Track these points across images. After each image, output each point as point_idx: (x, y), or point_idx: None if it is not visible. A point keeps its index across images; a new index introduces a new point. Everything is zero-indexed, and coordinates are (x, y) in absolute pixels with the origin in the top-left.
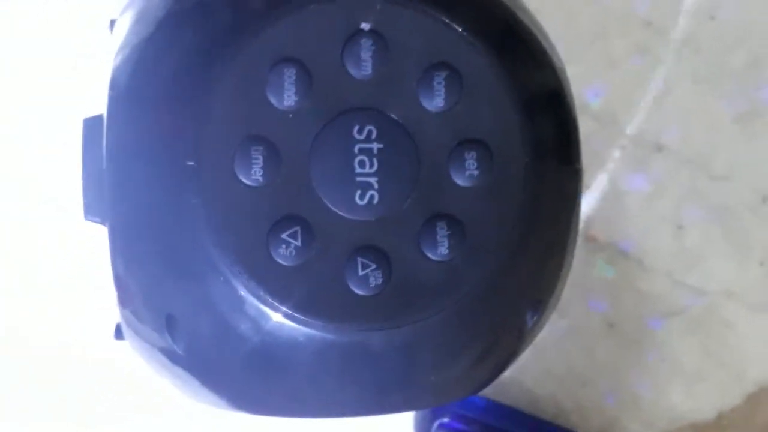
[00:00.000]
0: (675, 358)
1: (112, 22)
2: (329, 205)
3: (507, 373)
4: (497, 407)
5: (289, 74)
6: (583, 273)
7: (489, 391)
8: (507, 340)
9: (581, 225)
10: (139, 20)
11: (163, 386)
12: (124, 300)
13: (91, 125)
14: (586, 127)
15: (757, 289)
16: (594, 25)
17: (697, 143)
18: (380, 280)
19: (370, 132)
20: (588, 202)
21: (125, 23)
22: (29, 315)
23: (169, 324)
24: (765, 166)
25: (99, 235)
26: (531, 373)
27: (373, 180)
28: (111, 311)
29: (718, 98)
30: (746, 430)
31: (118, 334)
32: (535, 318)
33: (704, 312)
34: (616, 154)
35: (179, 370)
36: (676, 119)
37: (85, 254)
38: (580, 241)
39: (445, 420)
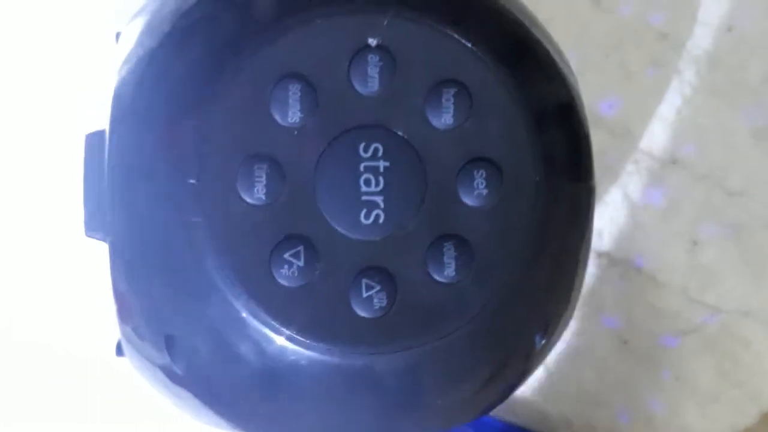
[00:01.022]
0: (689, 377)
1: (118, 35)
2: (334, 225)
3: (517, 391)
4: (506, 427)
5: (294, 90)
6: (595, 289)
7: (498, 410)
8: (515, 363)
9: (594, 240)
10: (143, 35)
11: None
12: (123, 316)
13: (93, 140)
14: (600, 140)
15: None
16: (609, 37)
17: (713, 158)
18: (385, 302)
19: (376, 150)
20: (601, 217)
21: (129, 37)
22: (28, 315)
23: (168, 344)
24: None
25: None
26: (541, 391)
27: (378, 199)
28: (111, 318)
29: (734, 112)
30: None
31: (119, 350)
32: (543, 341)
33: (719, 330)
34: (630, 168)
35: (179, 390)
36: (692, 133)
37: (86, 254)
38: (592, 256)
39: None
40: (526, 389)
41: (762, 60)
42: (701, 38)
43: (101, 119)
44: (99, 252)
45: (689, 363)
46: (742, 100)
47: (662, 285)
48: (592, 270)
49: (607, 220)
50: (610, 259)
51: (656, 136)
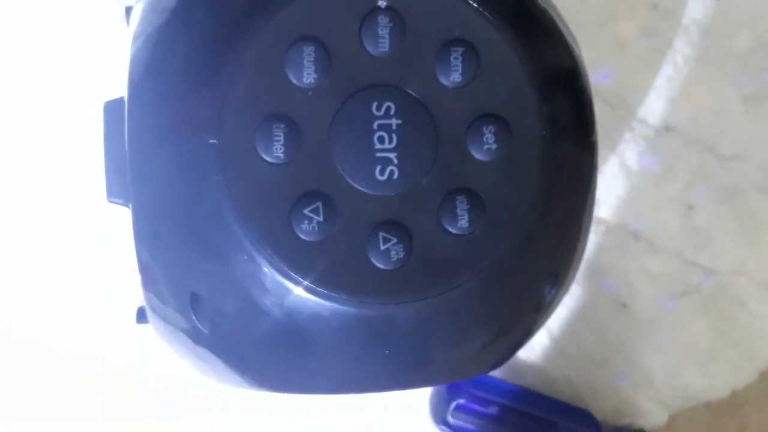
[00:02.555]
0: (688, 337)
1: (128, 9)
2: (350, 181)
3: (522, 355)
4: (513, 388)
5: (308, 52)
6: (594, 254)
7: (505, 373)
8: (526, 314)
9: None
10: (158, 2)
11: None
12: (147, 282)
13: (112, 108)
14: (595, 109)
15: (767, 267)
16: (601, 9)
17: (704, 124)
18: (402, 254)
19: (388, 108)
20: (598, 184)
21: (143, 6)
22: (28, 315)
23: (193, 302)
24: None
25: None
26: (545, 355)
27: (392, 155)
28: (110, 309)
29: (725, 80)
30: (760, 408)
31: (140, 317)
32: (553, 291)
33: (715, 291)
34: (626, 135)
35: (203, 351)
36: (684, 100)
37: (86, 254)
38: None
39: (462, 401)
40: (530, 353)
41: (749, 28)
42: (691, 8)
43: (119, 86)
44: (98, 252)
45: (687, 324)
46: (731, 67)
47: (659, 249)
48: (590, 236)
49: (604, 187)
50: (607, 225)
51: (650, 105)
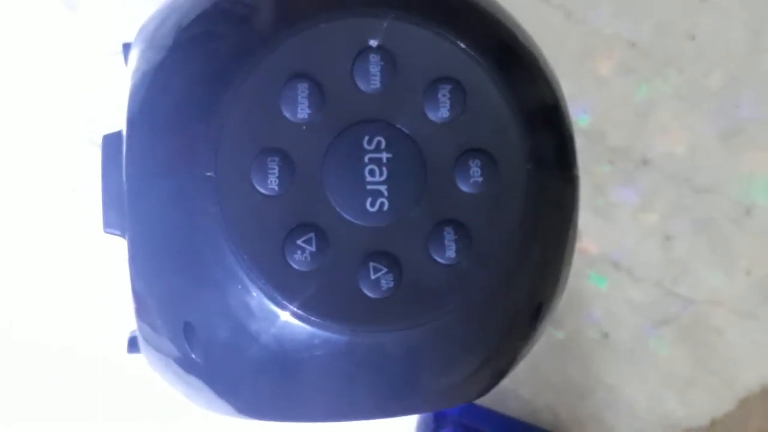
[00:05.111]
0: (668, 366)
1: (125, 46)
2: (342, 213)
3: (506, 385)
4: (498, 417)
5: (302, 89)
6: (576, 284)
7: (489, 402)
8: (511, 342)
9: None
10: (156, 38)
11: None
12: (141, 312)
13: (110, 140)
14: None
15: (744, 297)
16: (581, 46)
17: (680, 158)
18: (392, 284)
19: (379, 143)
20: (579, 216)
21: (143, 39)
22: (28, 315)
23: (186, 332)
24: (746, 179)
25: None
26: (529, 384)
27: (383, 188)
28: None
29: (700, 115)
30: None
31: (131, 347)
32: (537, 320)
33: (694, 320)
34: (605, 168)
35: (194, 379)
36: (661, 135)
37: (86, 254)
38: None
39: (448, 430)
40: (514, 383)
41: (722, 66)
42: (666, 47)
43: (118, 121)
44: (98, 252)
45: (667, 353)
46: (706, 103)
47: (638, 279)
48: (572, 266)
49: (585, 219)
50: (588, 256)
51: (628, 139)
